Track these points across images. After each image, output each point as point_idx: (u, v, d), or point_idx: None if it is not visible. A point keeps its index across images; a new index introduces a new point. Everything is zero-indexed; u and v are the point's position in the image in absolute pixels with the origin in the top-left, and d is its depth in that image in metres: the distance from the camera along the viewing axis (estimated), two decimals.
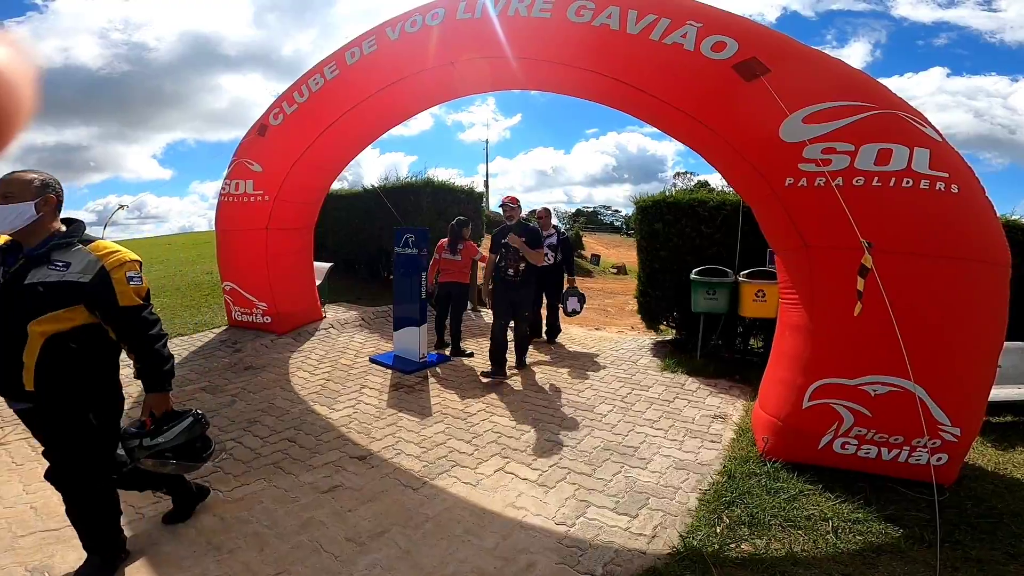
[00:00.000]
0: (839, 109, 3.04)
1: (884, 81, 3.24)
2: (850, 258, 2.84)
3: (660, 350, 6.51)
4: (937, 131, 3.06)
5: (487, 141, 44.67)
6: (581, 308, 6.38)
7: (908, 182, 2.93)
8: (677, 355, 6.07)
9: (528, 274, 5.24)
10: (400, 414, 4.45)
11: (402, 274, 5.63)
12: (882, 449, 3.19)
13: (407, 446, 3.85)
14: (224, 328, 6.67)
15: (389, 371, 5.49)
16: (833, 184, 2.90)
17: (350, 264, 10.64)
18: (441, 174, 9.13)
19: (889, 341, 2.65)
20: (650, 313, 6.68)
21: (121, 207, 6.74)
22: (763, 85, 3.17)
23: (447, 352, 6.14)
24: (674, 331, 6.89)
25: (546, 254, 5.88)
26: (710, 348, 6.07)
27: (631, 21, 3.61)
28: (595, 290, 16.36)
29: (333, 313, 7.64)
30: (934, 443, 3.05)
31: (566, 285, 6.41)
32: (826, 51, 3.48)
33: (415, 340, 5.57)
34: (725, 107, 3.44)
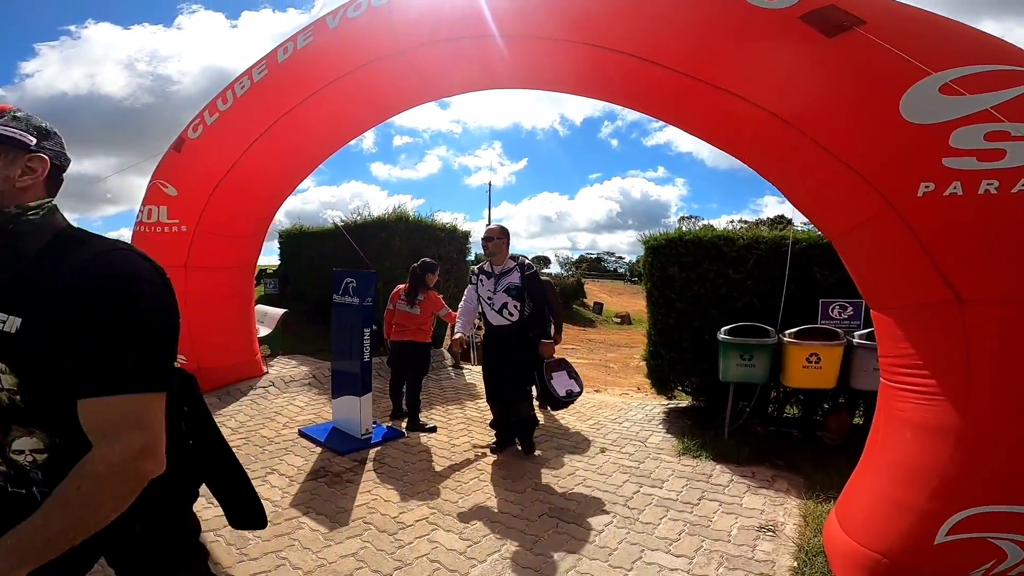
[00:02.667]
0: (998, 75, 1.87)
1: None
2: None
3: (675, 423, 5.14)
4: None
5: (489, 184, 44.33)
6: (580, 390, 4.22)
7: None
8: (697, 432, 4.70)
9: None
10: (302, 519, 3.13)
11: (340, 329, 4.38)
12: None
13: None
14: None
15: (319, 449, 4.17)
16: (1014, 191, 1.69)
17: (320, 309, 9.44)
18: (446, 217, 7.89)
19: None
20: (662, 379, 5.33)
21: None
22: (861, 39, 2.02)
23: (403, 425, 4.81)
24: (690, 397, 5.55)
25: (504, 305, 4.04)
26: (742, 425, 4.70)
27: None
28: (596, 342, 15.05)
29: (280, 368, 6.38)
30: None
31: (545, 352, 4.14)
32: None
33: (356, 412, 4.27)
34: (797, 79, 2.28)
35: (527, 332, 4.05)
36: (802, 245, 4.51)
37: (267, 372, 6.01)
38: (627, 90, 3.21)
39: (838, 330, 4.03)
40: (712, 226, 5.87)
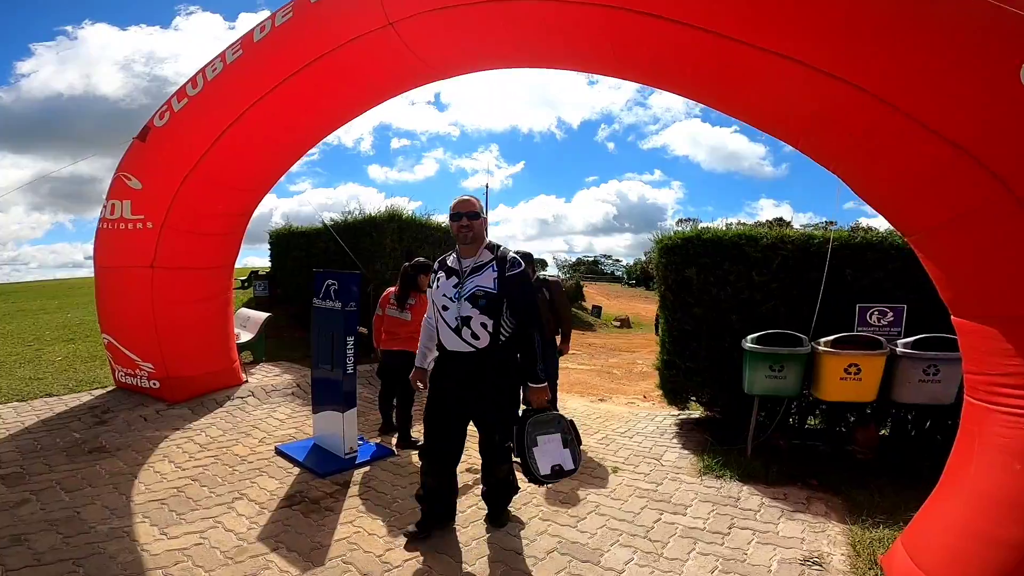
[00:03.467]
0: None
1: None
2: None
3: (690, 436, 4.71)
4: None
5: (487, 186, 43.84)
6: (574, 467, 2.66)
7: None
8: (717, 448, 4.27)
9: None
10: (270, 557, 2.69)
11: (321, 336, 3.93)
12: None
13: None
14: (109, 390, 5.07)
15: (297, 470, 3.72)
16: None
17: (309, 312, 8.99)
18: (443, 219, 7.38)
19: None
20: (676, 390, 4.89)
21: None
22: None
23: (393, 442, 4.35)
24: (703, 408, 5.11)
25: (466, 321, 2.61)
26: (764, 440, 4.27)
27: None
28: (597, 347, 14.62)
29: (262, 376, 5.92)
30: None
31: (534, 400, 2.68)
32: None
33: (338, 429, 3.81)
34: (884, 41, 1.86)
35: (500, 368, 2.64)
36: (833, 244, 4.10)
37: (247, 381, 5.55)
38: (651, 61, 2.78)
39: (879, 338, 3.61)
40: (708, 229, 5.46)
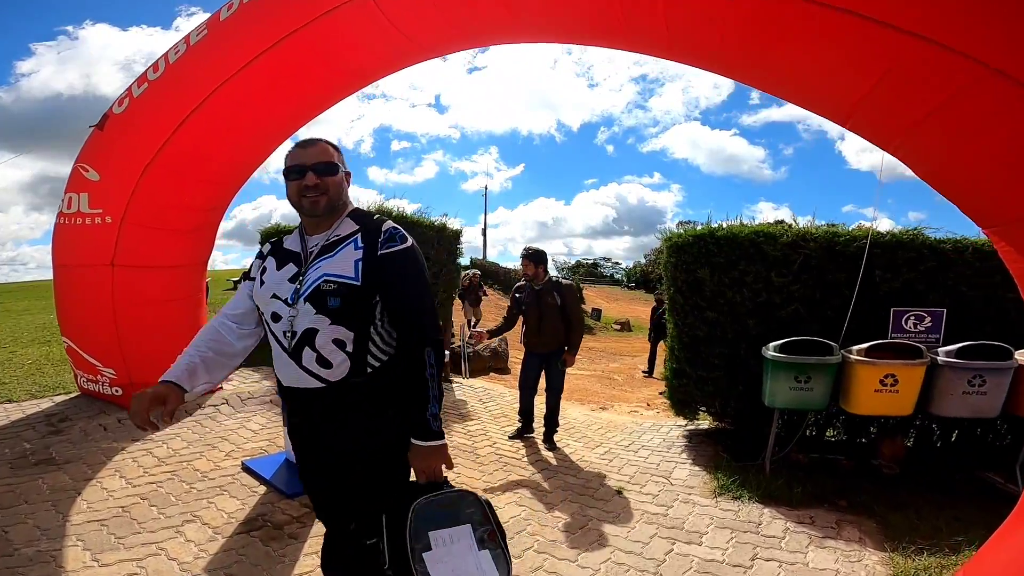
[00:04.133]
0: None
1: None
2: None
3: (700, 450, 4.32)
4: None
5: (486, 187, 43.49)
6: None
7: None
8: (731, 464, 3.87)
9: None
10: None
11: None
12: None
13: None
14: (72, 396, 4.70)
15: (263, 489, 3.32)
16: None
17: None
18: (438, 219, 6.81)
19: None
20: (686, 400, 4.48)
21: None
22: None
23: None
24: (713, 418, 4.72)
25: (307, 337, 1.49)
26: (781, 455, 3.87)
27: None
28: (597, 351, 14.23)
29: (239, 382, 5.52)
30: None
31: (424, 463, 1.50)
32: None
33: None
34: None
35: (369, 413, 1.53)
36: (860, 243, 3.72)
37: (221, 388, 5.15)
38: (669, 23, 2.39)
39: (919, 346, 3.22)
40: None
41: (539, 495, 3.49)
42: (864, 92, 1.96)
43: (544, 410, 4.53)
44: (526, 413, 4.58)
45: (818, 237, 3.87)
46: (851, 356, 3.30)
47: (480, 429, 4.80)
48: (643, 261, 59.45)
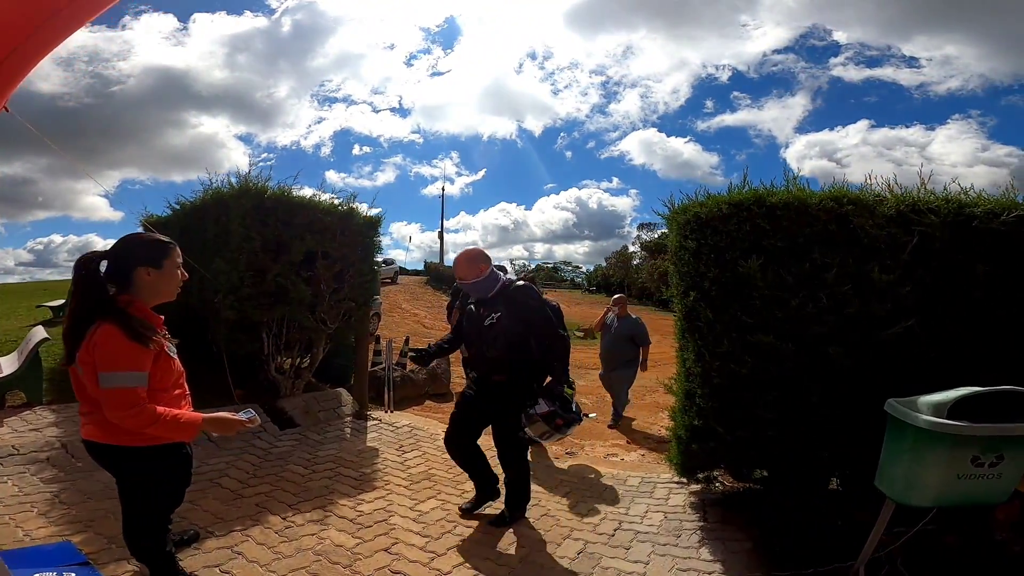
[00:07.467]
0: None
1: None
2: None
3: (723, 534, 2.73)
4: None
5: (443, 189, 41.81)
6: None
7: None
8: (789, 569, 2.26)
9: None
10: None
11: None
12: None
13: None
14: None
15: None
16: None
17: (177, 333, 6.47)
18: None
19: None
20: (704, 466, 2.86)
21: None
22: None
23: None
24: (728, 477, 3.12)
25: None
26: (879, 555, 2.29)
27: None
28: None
29: (22, 427, 3.60)
30: None
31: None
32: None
33: None
34: None
35: None
36: (1010, 218, 2.20)
37: None
38: None
39: None
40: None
41: None
42: None
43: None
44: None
45: (938, 207, 2.32)
46: None
47: (382, 507, 3.03)
48: (603, 264, 58.81)
